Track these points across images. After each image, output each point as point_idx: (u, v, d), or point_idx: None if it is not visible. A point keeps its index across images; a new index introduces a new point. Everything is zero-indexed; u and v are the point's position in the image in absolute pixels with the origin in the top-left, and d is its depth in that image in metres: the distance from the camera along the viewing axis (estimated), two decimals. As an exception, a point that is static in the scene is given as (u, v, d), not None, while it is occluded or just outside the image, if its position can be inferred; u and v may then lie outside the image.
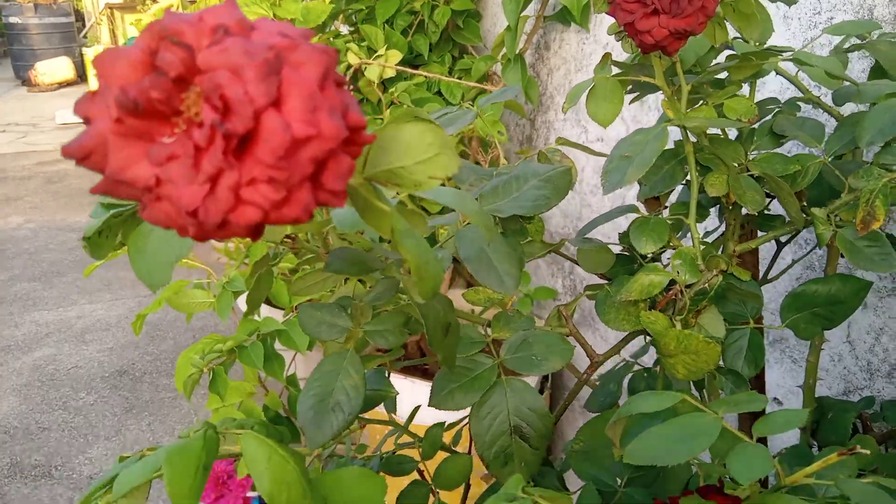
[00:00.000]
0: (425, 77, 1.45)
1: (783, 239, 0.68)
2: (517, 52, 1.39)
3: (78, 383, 2.21)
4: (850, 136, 0.55)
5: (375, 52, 1.43)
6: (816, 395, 0.85)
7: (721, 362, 0.57)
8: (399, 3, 1.50)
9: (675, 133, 0.55)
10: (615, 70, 0.61)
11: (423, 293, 0.27)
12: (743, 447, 0.35)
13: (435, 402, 0.47)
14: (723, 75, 0.60)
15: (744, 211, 0.63)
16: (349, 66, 1.40)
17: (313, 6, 1.38)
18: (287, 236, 0.41)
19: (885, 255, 0.51)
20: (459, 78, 1.50)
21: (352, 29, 1.51)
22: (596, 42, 1.29)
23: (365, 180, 0.27)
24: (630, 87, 0.62)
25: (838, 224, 0.53)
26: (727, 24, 0.57)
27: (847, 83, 0.61)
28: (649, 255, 0.59)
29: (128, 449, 1.91)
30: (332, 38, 1.44)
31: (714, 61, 0.63)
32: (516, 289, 0.45)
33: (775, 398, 0.98)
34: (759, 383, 0.83)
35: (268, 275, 0.45)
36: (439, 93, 1.48)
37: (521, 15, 1.38)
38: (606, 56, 0.59)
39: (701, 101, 0.60)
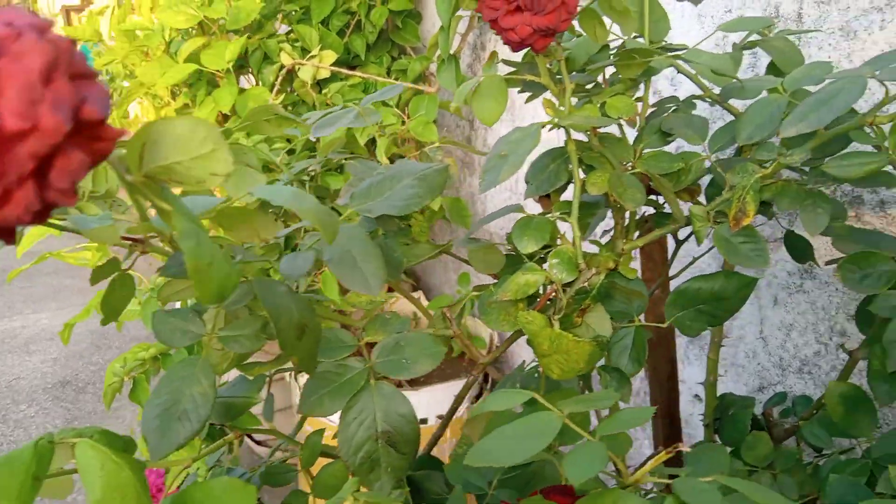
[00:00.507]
0: (361, 78, 1.43)
1: (681, 236, 0.68)
2: (451, 52, 1.38)
3: (19, 395, 2.15)
4: (732, 134, 0.56)
5: (310, 52, 1.41)
6: (727, 391, 0.85)
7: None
8: (335, 3, 1.49)
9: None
10: (506, 69, 0.61)
11: (202, 297, 0.26)
12: (579, 446, 0.34)
13: (304, 408, 0.46)
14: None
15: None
16: (282, 67, 1.39)
17: (243, 5, 1.35)
18: (127, 238, 0.39)
19: (759, 251, 0.51)
20: (396, 79, 1.49)
21: (288, 30, 1.50)
22: (527, 42, 1.29)
23: (145, 178, 0.26)
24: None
25: (718, 221, 0.54)
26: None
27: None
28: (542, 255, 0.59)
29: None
30: (264, 39, 1.42)
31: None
32: (381, 290, 0.44)
33: (696, 395, 0.99)
34: (671, 381, 0.84)
35: (123, 280, 0.44)
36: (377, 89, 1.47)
37: (456, 15, 1.37)
38: (493, 54, 0.59)
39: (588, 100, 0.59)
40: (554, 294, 0.52)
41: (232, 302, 0.42)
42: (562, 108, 0.56)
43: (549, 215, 0.56)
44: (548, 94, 0.59)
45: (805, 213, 0.53)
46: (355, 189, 0.49)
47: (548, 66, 0.58)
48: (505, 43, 0.47)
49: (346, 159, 0.68)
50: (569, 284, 0.52)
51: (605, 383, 0.57)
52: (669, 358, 0.83)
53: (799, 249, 0.67)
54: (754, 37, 0.68)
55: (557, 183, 0.56)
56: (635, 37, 0.66)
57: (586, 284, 0.52)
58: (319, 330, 0.43)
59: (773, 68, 0.65)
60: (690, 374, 1.00)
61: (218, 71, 1.37)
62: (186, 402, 0.40)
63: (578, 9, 0.48)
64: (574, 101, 0.62)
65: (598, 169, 0.55)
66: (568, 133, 0.54)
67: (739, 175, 0.51)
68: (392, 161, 1.50)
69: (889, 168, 0.50)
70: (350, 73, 1.41)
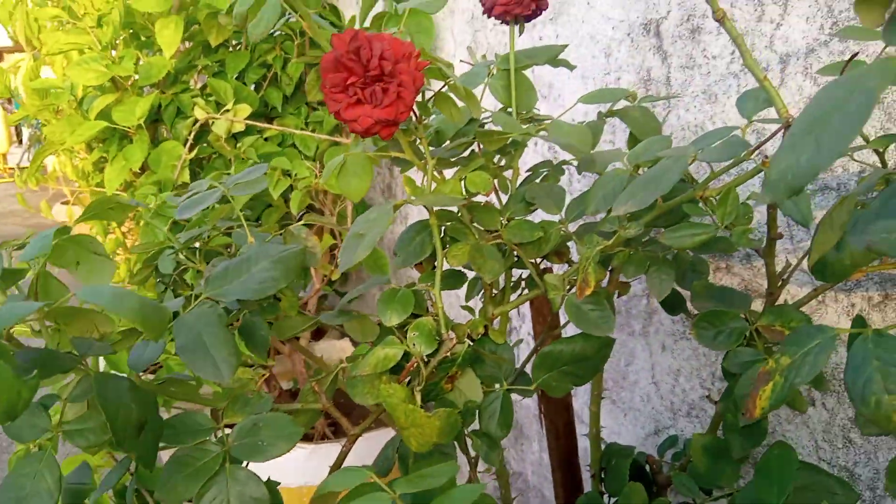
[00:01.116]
0: (277, 130, 1.45)
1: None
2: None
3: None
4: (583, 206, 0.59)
5: (224, 106, 1.42)
6: (629, 435, 0.88)
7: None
8: (250, 57, 1.51)
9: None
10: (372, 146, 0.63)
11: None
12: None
13: (158, 494, 0.46)
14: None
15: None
16: (196, 121, 1.39)
17: (154, 61, 1.36)
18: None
19: (605, 317, 0.54)
20: (313, 130, 1.51)
21: (203, 84, 1.50)
22: (437, 95, 1.33)
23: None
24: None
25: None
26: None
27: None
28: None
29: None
30: (178, 94, 1.42)
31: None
32: (232, 377, 0.45)
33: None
34: (568, 430, 0.86)
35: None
36: (294, 145, 1.48)
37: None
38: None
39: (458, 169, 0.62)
40: (417, 365, 0.53)
41: (75, 397, 0.42)
42: (438, 180, 0.59)
43: (414, 286, 0.58)
44: (412, 171, 0.62)
45: (650, 280, 0.56)
46: (211, 273, 0.50)
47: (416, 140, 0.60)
48: (351, 132, 0.49)
49: (228, 230, 0.69)
50: (433, 354, 0.54)
51: (477, 448, 0.58)
52: (566, 406, 0.86)
53: (671, 304, 0.71)
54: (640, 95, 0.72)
55: (422, 255, 0.58)
56: (501, 108, 0.69)
57: (448, 354, 0.54)
58: (161, 425, 0.44)
59: (632, 137, 0.70)
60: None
61: (129, 127, 1.36)
62: (34, 498, 0.40)
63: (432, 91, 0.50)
64: (449, 173, 0.65)
65: (459, 242, 0.58)
66: (429, 209, 0.57)
67: (585, 246, 0.54)
68: (312, 208, 1.52)
69: (726, 234, 0.54)
70: (265, 126, 1.42)
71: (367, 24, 1.31)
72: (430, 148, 0.61)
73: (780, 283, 0.58)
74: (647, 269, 0.56)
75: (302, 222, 0.59)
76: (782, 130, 0.49)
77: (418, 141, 0.60)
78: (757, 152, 0.50)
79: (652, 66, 0.83)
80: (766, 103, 0.53)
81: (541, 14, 0.66)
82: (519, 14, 0.65)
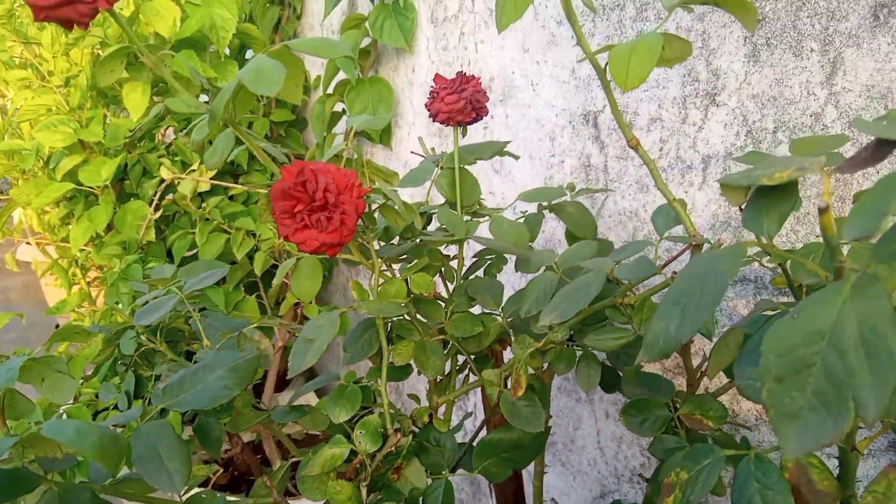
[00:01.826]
0: (244, 189, 1.48)
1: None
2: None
3: None
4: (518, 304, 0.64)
5: (190, 165, 1.45)
6: (577, 497, 0.92)
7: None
8: (217, 117, 1.54)
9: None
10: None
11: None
12: None
13: None
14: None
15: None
16: (161, 181, 1.42)
17: (121, 123, 1.39)
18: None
19: (537, 414, 0.58)
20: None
21: (169, 143, 1.54)
22: (398, 159, 1.38)
23: None
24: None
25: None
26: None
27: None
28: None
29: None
30: (144, 153, 1.45)
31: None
32: (185, 487, 0.48)
33: (552, 498, 1.06)
34: (517, 496, 0.90)
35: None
36: (258, 202, 1.52)
37: (333, 132, 1.46)
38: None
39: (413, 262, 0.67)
40: (362, 461, 0.57)
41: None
42: (386, 278, 0.63)
43: (361, 382, 0.62)
44: (359, 276, 0.66)
45: (579, 375, 0.61)
46: (168, 382, 0.53)
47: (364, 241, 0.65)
48: (300, 251, 0.53)
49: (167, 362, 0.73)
50: (379, 449, 0.58)
51: (421, 533, 0.62)
52: (515, 475, 0.90)
53: (608, 383, 0.76)
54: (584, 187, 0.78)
55: (370, 352, 0.62)
56: (443, 203, 0.74)
57: (393, 448, 0.58)
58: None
59: (568, 233, 0.75)
60: (546, 479, 1.07)
61: (95, 187, 1.39)
62: None
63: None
64: (398, 267, 0.70)
65: (404, 339, 0.62)
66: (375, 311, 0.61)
67: (518, 346, 0.59)
68: (275, 267, 1.55)
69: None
70: (230, 185, 1.45)
71: (330, 90, 1.37)
72: (379, 245, 0.66)
73: (697, 375, 0.64)
74: (576, 364, 0.61)
75: (255, 325, 0.63)
76: (689, 249, 0.54)
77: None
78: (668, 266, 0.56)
79: (591, 154, 0.90)
80: (676, 220, 0.58)
81: (481, 119, 0.72)
82: (461, 120, 0.70)
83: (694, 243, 0.55)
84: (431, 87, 0.72)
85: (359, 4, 1.42)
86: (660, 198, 0.81)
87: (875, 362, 0.28)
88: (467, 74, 0.71)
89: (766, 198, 0.36)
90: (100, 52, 1.45)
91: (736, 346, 0.49)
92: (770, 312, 0.48)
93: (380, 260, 0.63)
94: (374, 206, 0.63)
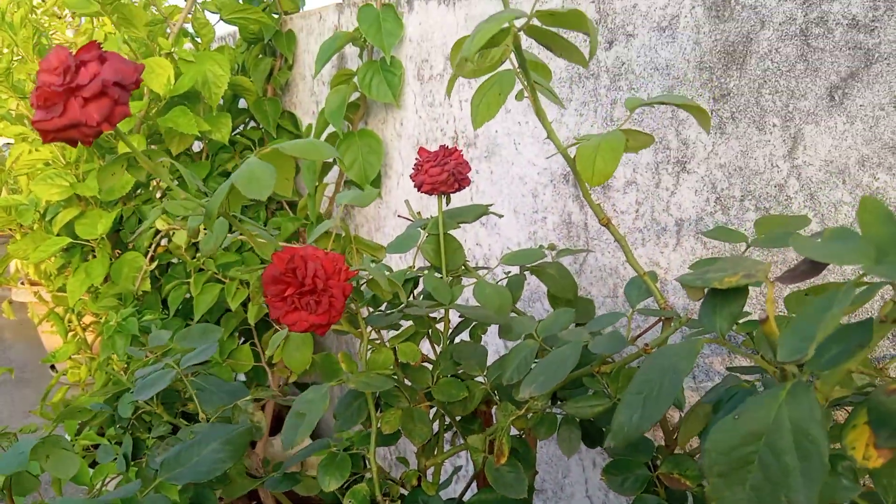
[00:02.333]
0: (237, 238, 1.51)
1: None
2: (320, 214, 1.49)
3: None
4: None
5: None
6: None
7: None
8: (210, 167, 1.58)
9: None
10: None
11: None
12: None
13: None
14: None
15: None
16: (157, 232, 1.45)
17: (125, 179, 1.43)
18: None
19: (520, 479, 0.61)
20: (272, 234, 1.57)
21: (163, 193, 1.57)
22: (388, 207, 1.42)
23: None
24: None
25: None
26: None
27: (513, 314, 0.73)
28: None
29: None
30: (139, 205, 1.48)
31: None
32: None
33: (543, 546, 1.08)
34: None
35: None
36: (252, 250, 1.55)
37: (323, 182, 1.50)
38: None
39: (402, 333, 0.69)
40: (353, 528, 0.60)
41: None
42: (374, 345, 0.66)
43: (351, 450, 0.64)
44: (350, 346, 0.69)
45: (560, 439, 0.64)
46: (166, 455, 0.56)
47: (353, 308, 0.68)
48: (291, 330, 0.56)
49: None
50: (368, 516, 0.60)
51: None
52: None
53: (591, 439, 0.78)
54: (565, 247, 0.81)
55: (360, 419, 0.65)
56: (431, 267, 0.77)
57: (382, 515, 0.60)
58: None
59: (550, 293, 0.78)
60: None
61: (92, 240, 1.42)
62: None
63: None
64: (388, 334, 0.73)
65: (392, 407, 0.65)
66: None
67: (501, 414, 0.62)
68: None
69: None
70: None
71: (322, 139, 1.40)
72: (368, 312, 0.69)
73: (674, 436, 0.66)
74: (557, 429, 0.64)
75: (249, 397, 0.66)
76: (661, 321, 0.57)
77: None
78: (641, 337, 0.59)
79: (572, 212, 0.93)
80: (647, 293, 0.61)
81: (463, 189, 0.75)
82: (444, 191, 0.74)
83: (664, 317, 0.58)
84: (416, 158, 0.75)
85: (348, 58, 1.46)
86: (638, 252, 0.84)
87: (807, 464, 0.31)
88: (449, 147, 0.74)
89: (719, 298, 0.39)
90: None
91: (705, 416, 0.52)
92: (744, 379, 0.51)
93: (368, 329, 0.66)
94: (361, 281, 0.66)
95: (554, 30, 0.46)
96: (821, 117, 0.63)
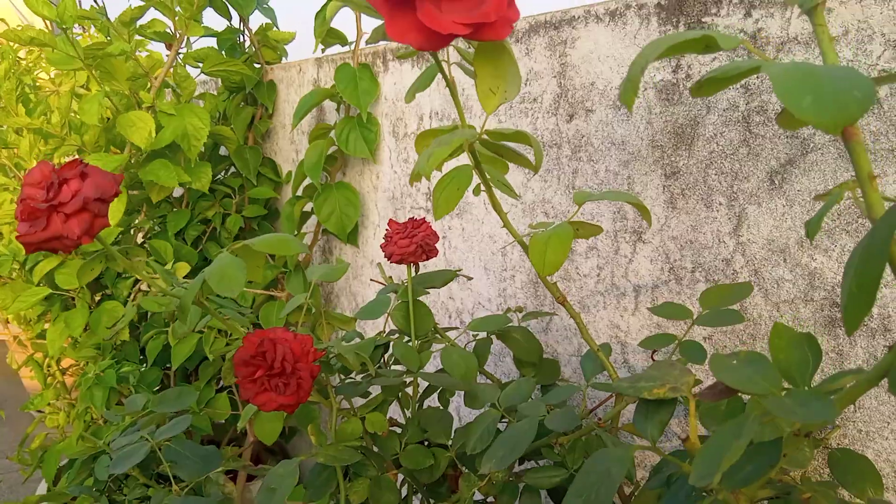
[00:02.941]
0: (216, 285, 1.53)
1: None
2: (298, 262, 1.52)
3: None
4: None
5: (164, 265, 1.50)
6: None
7: None
8: (190, 215, 1.61)
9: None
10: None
11: None
12: None
13: None
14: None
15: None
16: (136, 282, 1.47)
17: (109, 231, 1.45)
18: None
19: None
20: (250, 280, 1.60)
21: (143, 241, 1.59)
22: (364, 257, 1.45)
23: None
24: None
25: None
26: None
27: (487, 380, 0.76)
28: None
29: None
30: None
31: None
32: None
33: None
34: None
35: None
36: (232, 299, 1.57)
37: (303, 231, 1.52)
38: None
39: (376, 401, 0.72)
40: None
41: None
42: (344, 414, 0.68)
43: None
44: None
45: (521, 508, 0.66)
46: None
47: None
48: (261, 410, 0.58)
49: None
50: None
51: None
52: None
53: (557, 499, 0.81)
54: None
55: (329, 489, 0.67)
56: (397, 336, 0.80)
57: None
58: None
59: (516, 358, 0.81)
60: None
61: (72, 290, 1.44)
62: None
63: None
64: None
65: (361, 477, 0.67)
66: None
67: (465, 484, 0.65)
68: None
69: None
70: (204, 283, 1.50)
71: (300, 192, 1.44)
72: (339, 379, 0.71)
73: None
74: (520, 496, 0.66)
75: (220, 469, 0.68)
76: (612, 397, 0.61)
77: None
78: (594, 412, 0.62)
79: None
80: (601, 367, 0.65)
81: (432, 258, 0.79)
82: (413, 261, 0.77)
83: (616, 392, 0.62)
84: (387, 229, 0.79)
85: (326, 110, 1.50)
86: (600, 315, 0.88)
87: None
88: (417, 219, 0.78)
89: (650, 406, 0.42)
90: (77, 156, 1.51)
91: (654, 497, 0.55)
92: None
93: (339, 398, 0.69)
94: (331, 354, 0.69)
95: (503, 142, 0.50)
96: (762, 199, 0.67)
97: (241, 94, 1.71)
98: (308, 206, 1.49)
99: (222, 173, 1.76)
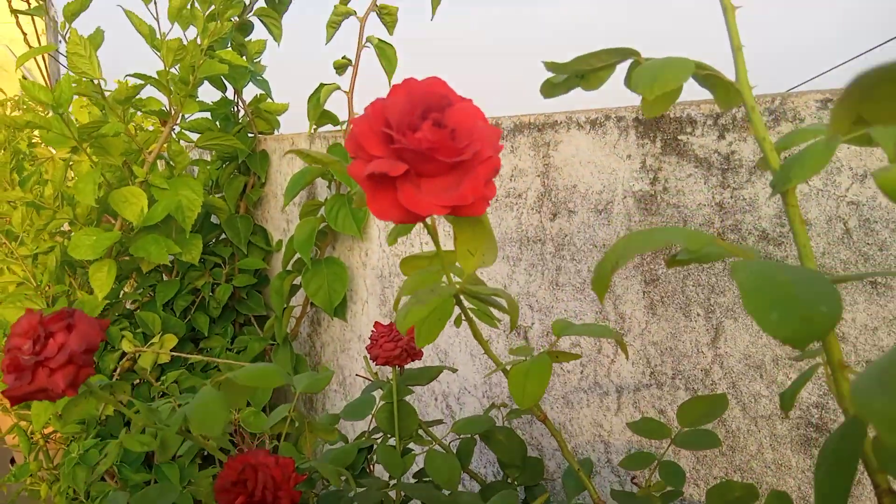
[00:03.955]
0: (203, 360, 1.53)
1: None
2: (286, 334, 1.52)
3: None
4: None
5: (151, 337, 1.50)
6: None
7: None
8: (179, 285, 1.61)
9: None
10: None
11: None
12: None
13: None
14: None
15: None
16: (123, 354, 1.46)
17: (87, 300, 1.45)
18: None
19: None
20: (238, 352, 1.60)
21: (131, 311, 1.59)
22: (352, 331, 1.45)
23: None
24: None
25: None
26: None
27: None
28: None
29: None
30: (108, 327, 1.50)
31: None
32: None
33: None
34: None
35: None
36: (218, 368, 1.57)
37: (288, 305, 1.53)
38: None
39: None
40: None
41: None
42: None
43: None
44: None
45: None
46: None
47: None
48: None
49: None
50: None
51: None
52: None
53: None
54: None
55: None
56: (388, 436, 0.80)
57: None
58: None
59: (499, 460, 0.82)
60: None
61: (58, 363, 1.43)
62: None
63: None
64: None
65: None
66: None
67: None
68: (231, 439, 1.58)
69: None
70: (190, 356, 1.50)
71: (289, 266, 1.45)
72: (323, 485, 0.71)
73: None
74: None
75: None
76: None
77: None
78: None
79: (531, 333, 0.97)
80: (583, 486, 0.65)
81: (417, 360, 0.80)
82: (398, 363, 0.78)
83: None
84: (372, 331, 0.80)
85: (318, 185, 1.53)
86: (583, 412, 0.89)
87: None
88: (402, 323, 0.79)
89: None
90: (69, 229, 1.52)
91: None
92: None
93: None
94: (313, 471, 0.69)
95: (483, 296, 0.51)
96: (738, 314, 0.69)
97: (234, 163, 1.74)
98: (297, 280, 1.50)
99: (213, 241, 1.77)
